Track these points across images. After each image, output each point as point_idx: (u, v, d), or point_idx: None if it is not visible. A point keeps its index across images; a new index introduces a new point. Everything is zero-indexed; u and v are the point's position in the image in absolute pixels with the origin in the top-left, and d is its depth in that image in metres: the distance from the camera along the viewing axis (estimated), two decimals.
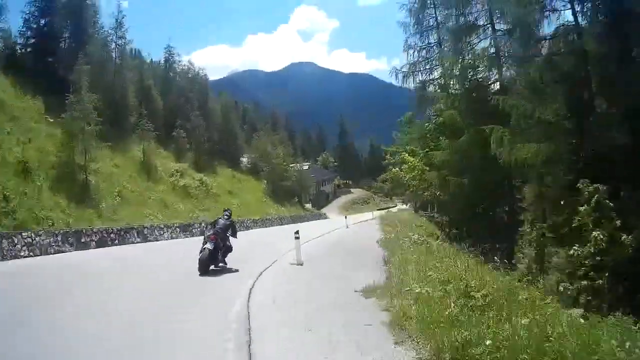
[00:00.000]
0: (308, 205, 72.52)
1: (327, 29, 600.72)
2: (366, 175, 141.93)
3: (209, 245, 12.71)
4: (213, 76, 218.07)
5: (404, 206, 76.28)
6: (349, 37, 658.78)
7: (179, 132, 49.51)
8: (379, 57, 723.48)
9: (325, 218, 70.49)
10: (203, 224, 30.40)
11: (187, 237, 29.67)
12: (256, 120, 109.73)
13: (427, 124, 39.21)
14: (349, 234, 30.14)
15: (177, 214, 34.93)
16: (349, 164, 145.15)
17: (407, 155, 46.55)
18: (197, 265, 12.51)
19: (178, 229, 29.95)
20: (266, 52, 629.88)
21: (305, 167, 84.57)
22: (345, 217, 47.51)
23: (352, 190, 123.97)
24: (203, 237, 13.61)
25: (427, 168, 36.61)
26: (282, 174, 63.68)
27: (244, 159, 66.77)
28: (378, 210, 78.50)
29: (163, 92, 54.04)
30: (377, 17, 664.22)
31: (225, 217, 14.10)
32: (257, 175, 63.39)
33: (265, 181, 62.26)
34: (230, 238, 13.83)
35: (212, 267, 12.85)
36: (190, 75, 62.01)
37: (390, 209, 75.26)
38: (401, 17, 46.75)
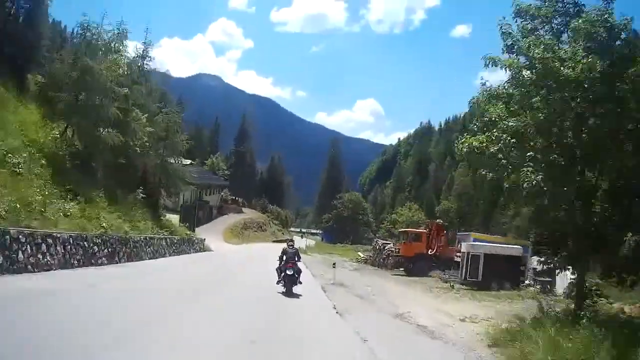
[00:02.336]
0: (173, 219, 37.29)
1: (241, 47, 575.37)
2: (261, 194, 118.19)
3: (289, 272, 15.31)
4: None
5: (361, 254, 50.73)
6: (260, 59, 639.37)
7: None
8: (284, 86, 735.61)
9: (199, 249, 36.79)
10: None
11: None
12: None
13: None
14: None
15: None
16: (243, 177, 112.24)
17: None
18: (284, 288, 15.35)
19: None
20: (179, 57, 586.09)
21: (186, 163, 50.39)
22: (334, 265, 26.37)
23: (244, 210, 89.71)
24: (278, 268, 16.08)
25: None
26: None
27: None
28: (276, 241, 64.05)
29: None
30: (291, 45, 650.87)
31: (291, 247, 16.49)
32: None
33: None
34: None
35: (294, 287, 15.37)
36: None
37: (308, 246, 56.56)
38: None
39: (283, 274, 15.36)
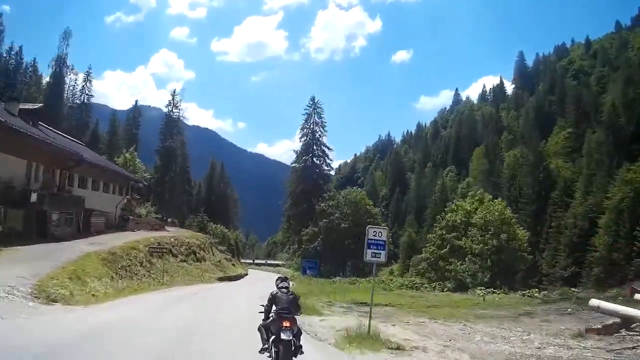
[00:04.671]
0: None
1: (182, 79, 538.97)
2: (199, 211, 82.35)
3: (284, 336, 7.88)
4: None
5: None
6: (201, 91, 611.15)
7: None
8: (225, 118, 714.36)
9: None
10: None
11: None
12: None
13: None
14: None
15: None
16: (172, 187, 75.48)
17: None
18: None
19: None
20: (120, 89, 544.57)
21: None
22: None
23: (168, 228, 52.19)
24: (263, 326, 8.43)
25: None
26: None
27: None
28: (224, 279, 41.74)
29: None
30: (231, 75, 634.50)
31: (285, 288, 8.64)
32: None
33: None
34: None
35: None
36: None
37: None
38: None
39: (273, 337, 8.04)
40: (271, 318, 8.33)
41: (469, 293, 34.40)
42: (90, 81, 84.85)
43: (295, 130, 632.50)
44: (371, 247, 12.44)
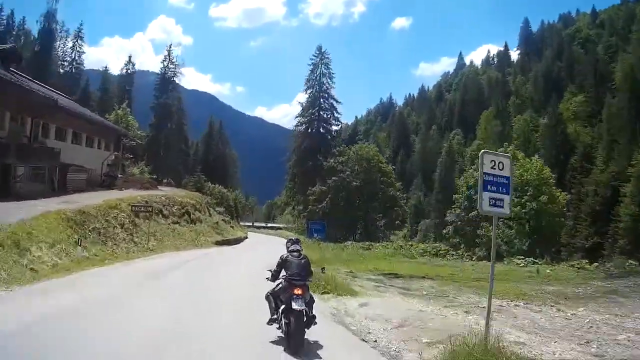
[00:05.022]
0: None
1: (180, 44, 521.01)
2: (196, 169, 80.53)
3: (296, 305, 6.82)
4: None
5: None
6: (199, 56, 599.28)
7: None
8: (223, 82, 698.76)
9: None
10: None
11: None
12: None
13: None
14: None
15: None
16: (168, 146, 70.59)
17: None
18: (285, 337, 6.92)
19: None
20: (118, 56, 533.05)
21: None
22: None
23: (161, 188, 47.28)
24: (271, 294, 7.44)
25: None
26: None
27: None
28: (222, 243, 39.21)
29: None
30: (229, 41, 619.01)
31: (296, 252, 7.62)
32: None
33: None
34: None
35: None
36: None
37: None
38: None
39: (283, 307, 7.02)
40: (280, 285, 7.27)
41: (505, 262, 29.80)
42: (81, 38, 78.93)
43: (294, 95, 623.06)
44: (488, 187, 6.82)
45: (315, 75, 73.89)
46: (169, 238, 31.33)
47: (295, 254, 7.46)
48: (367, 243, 45.60)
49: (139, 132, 67.60)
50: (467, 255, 36.52)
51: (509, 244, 36.87)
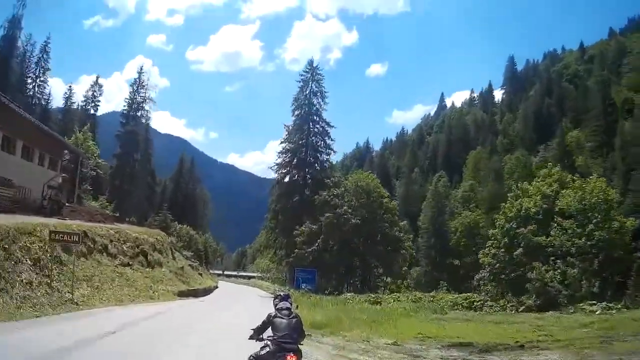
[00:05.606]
0: None
1: (156, 87, 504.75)
2: (159, 208, 70.79)
3: None
4: None
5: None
6: (174, 99, 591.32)
7: None
8: (197, 128, 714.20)
9: None
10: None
11: None
12: None
13: None
14: None
15: None
16: (133, 181, 60.60)
17: None
18: None
19: None
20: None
21: None
22: None
23: (117, 225, 37.34)
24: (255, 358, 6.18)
25: None
26: None
27: None
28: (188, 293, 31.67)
29: None
30: (205, 85, 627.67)
31: (286, 309, 6.47)
32: None
33: None
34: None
35: None
36: None
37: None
38: None
39: None
40: (268, 349, 5.97)
41: (570, 311, 21.47)
42: (47, 52, 70.51)
43: (266, 143, 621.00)
44: None
45: (304, 93, 61.78)
46: (112, 285, 21.91)
47: (284, 311, 6.34)
48: (373, 296, 36.55)
49: (100, 161, 58.77)
50: (511, 306, 28.08)
51: (570, 286, 28.38)
